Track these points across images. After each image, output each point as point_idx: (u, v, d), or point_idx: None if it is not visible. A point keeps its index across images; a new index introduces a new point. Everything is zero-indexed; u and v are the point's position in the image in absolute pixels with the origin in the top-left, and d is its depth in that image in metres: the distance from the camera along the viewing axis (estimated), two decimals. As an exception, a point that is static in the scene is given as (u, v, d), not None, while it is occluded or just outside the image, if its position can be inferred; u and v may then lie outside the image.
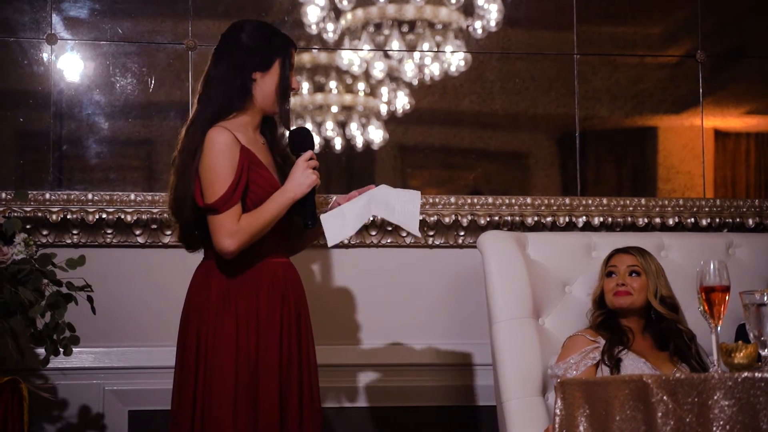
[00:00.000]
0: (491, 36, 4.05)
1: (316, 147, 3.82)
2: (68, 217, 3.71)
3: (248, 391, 2.95)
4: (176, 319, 3.75)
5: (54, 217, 3.70)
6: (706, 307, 2.63)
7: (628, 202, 4.03)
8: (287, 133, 3.13)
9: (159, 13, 3.88)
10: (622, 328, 3.38)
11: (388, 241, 3.90)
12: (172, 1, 3.88)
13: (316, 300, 3.44)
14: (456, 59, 4.03)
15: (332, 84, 3.98)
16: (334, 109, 3.99)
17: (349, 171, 4.02)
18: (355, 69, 3.99)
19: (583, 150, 4.07)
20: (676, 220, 4.02)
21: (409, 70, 4.01)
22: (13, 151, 3.85)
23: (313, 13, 3.96)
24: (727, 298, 2.64)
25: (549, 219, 3.95)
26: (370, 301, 3.88)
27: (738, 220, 4.06)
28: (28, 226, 3.64)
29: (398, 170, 3.99)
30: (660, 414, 2.32)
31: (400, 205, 3.05)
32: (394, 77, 4.01)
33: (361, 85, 4.00)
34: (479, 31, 4.05)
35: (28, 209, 3.69)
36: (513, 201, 3.97)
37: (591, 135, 4.10)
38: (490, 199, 3.96)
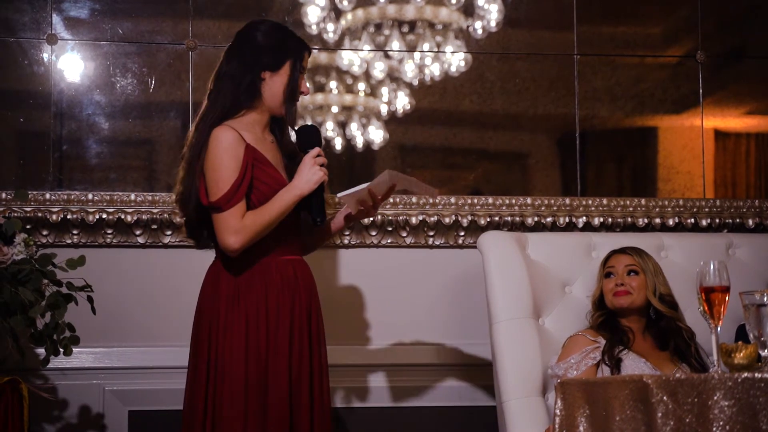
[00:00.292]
0: (491, 36, 4.05)
1: (317, 147, 3.82)
2: (68, 217, 3.71)
3: (258, 391, 2.95)
4: (176, 319, 3.76)
5: (54, 217, 3.70)
6: (706, 308, 2.63)
7: (628, 202, 4.03)
8: (294, 131, 3.14)
9: (159, 13, 3.88)
10: (623, 328, 3.39)
11: (388, 241, 3.90)
12: (172, 1, 3.89)
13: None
14: (456, 59, 4.03)
15: (332, 84, 3.98)
16: (335, 109, 3.99)
17: (350, 171, 4.02)
18: (356, 69, 3.99)
19: (583, 150, 4.07)
20: (676, 220, 4.02)
21: (409, 71, 4.01)
22: (14, 151, 3.85)
23: (313, 13, 3.96)
24: (727, 298, 2.63)
25: (549, 219, 3.95)
26: (369, 302, 3.88)
27: (738, 220, 4.06)
28: (28, 226, 3.64)
29: (398, 170, 3.98)
30: (660, 414, 2.32)
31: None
32: (394, 77, 4.01)
33: (361, 86, 4.00)
34: (479, 32, 4.05)
35: (28, 209, 3.69)
36: (513, 201, 3.97)
37: (591, 135, 4.10)
38: (490, 200, 3.96)
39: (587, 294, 3.55)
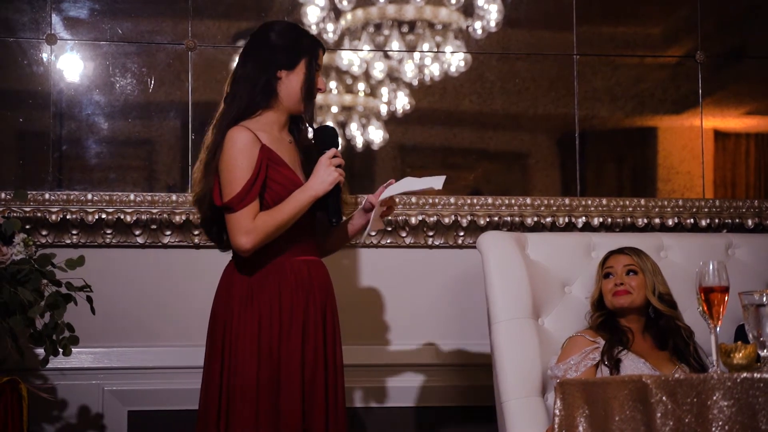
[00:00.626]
0: (491, 36, 4.05)
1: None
2: (68, 217, 3.71)
3: (270, 390, 2.95)
4: (176, 319, 3.77)
5: (53, 217, 3.70)
6: (706, 308, 2.63)
7: (627, 202, 4.03)
8: (311, 131, 3.15)
9: (159, 13, 3.88)
10: (622, 329, 3.39)
11: (388, 241, 3.90)
12: (172, 1, 3.89)
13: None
14: (456, 59, 4.03)
15: (332, 84, 3.98)
16: (334, 109, 3.99)
17: (349, 171, 3.97)
18: (355, 69, 3.99)
19: (582, 150, 4.07)
20: (676, 220, 4.02)
21: (409, 71, 4.01)
22: (13, 151, 3.85)
23: (313, 14, 3.96)
24: (726, 298, 2.63)
25: (549, 219, 3.95)
26: (368, 302, 3.88)
27: (737, 220, 4.06)
28: (27, 227, 3.65)
29: (398, 170, 3.99)
30: (659, 414, 2.32)
31: (419, 183, 3.10)
32: (394, 77, 4.01)
33: (361, 86, 4.00)
34: (479, 32, 4.05)
35: (27, 209, 3.69)
36: (513, 201, 3.97)
37: (591, 135, 4.10)
38: (490, 200, 3.96)
39: (586, 295, 3.55)
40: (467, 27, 4.04)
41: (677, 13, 4.18)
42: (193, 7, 3.88)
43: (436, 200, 3.92)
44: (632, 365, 3.27)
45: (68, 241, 3.74)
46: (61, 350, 3.29)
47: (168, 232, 3.79)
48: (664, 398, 2.32)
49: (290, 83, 3.08)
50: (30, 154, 3.83)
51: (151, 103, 3.86)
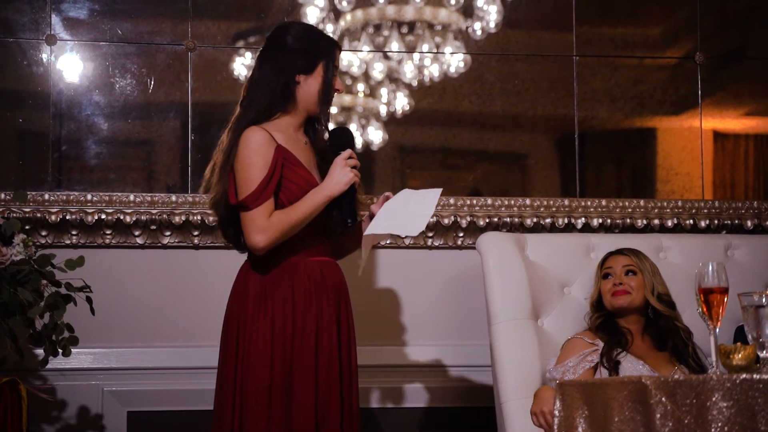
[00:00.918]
0: (491, 37, 4.05)
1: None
2: (67, 217, 3.71)
3: (282, 391, 2.96)
4: (176, 320, 3.77)
5: (53, 217, 3.70)
6: (705, 309, 2.63)
7: (627, 203, 4.03)
8: (327, 132, 3.15)
9: (158, 13, 3.88)
10: (621, 330, 3.38)
11: (387, 241, 3.90)
12: (171, 2, 3.89)
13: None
14: (455, 60, 4.03)
15: (331, 85, 3.97)
16: (334, 109, 3.97)
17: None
18: (355, 70, 3.99)
19: (582, 151, 4.07)
20: (675, 221, 4.02)
21: (408, 71, 4.01)
22: (13, 151, 3.85)
23: (312, 14, 3.96)
24: (725, 299, 2.64)
25: (548, 220, 3.95)
26: (367, 302, 3.88)
27: (737, 221, 4.06)
28: (27, 227, 3.65)
29: (397, 171, 3.99)
30: (659, 415, 2.32)
31: (411, 207, 3.06)
32: (393, 78, 4.01)
33: (360, 86, 4.00)
34: (479, 33, 4.05)
35: (27, 210, 3.69)
36: (512, 202, 3.97)
37: (590, 136, 4.10)
38: (489, 201, 3.96)
39: (585, 296, 3.55)
40: (467, 28, 4.04)
41: (677, 14, 4.18)
42: (193, 7, 3.88)
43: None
44: (631, 367, 3.27)
45: (68, 242, 3.74)
46: (60, 351, 3.29)
47: (167, 233, 3.79)
48: (663, 399, 2.32)
49: (308, 87, 3.08)
50: (30, 155, 3.83)
51: (151, 104, 3.86)
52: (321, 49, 3.10)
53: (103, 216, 3.73)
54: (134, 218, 3.75)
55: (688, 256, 3.71)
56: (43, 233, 3.72)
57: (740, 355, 2.50)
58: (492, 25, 4.06)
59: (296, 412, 2.94)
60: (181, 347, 3.74)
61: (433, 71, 4.02)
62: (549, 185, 4.07)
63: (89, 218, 3.72)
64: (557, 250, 3.68)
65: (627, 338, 3.36)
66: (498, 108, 4.05)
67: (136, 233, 3.78)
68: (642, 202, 4.04)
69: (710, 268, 2.64)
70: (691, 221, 4.03)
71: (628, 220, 4.00)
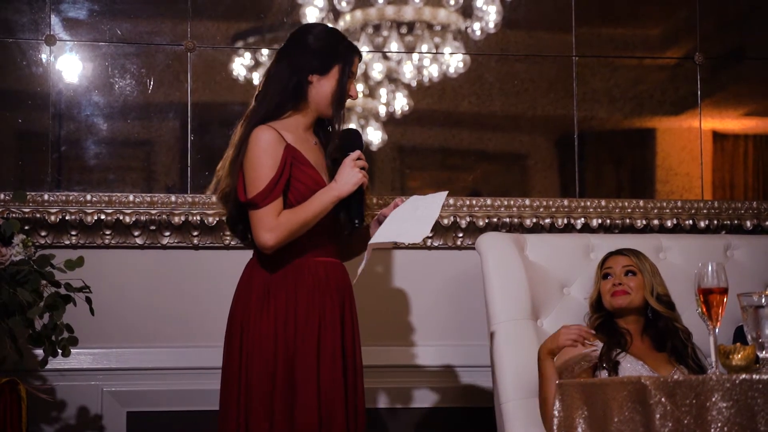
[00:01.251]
0: (490, 37, 4.05)
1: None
2: (67, 218, 3.71)
3: (286, 391, 2.96)
4: (175, 320, 3.77)
5: (52, 218, 3.70)
6: (704, 309, 2.63)
7: (626, 203, 4.03)
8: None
9: (158, 14, 3.88)
10: (620, 330, 3.38)
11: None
12: (171, 2, 3.88)
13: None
14: (455, 61, 4.03)
15: (331, 85, 3.97)
16: (333, 110, 3.98)
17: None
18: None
19: (581, 152, 4.07)
20: (675, 221, 4.02)
21: (407, 72, 4.01)
22: (12, 151, 3.85)
23: (311, 15, 3.95)
24: (725, 300, 2.64)
25: (547, 220, 3.95)
26: (367, 303, 3.88)
27: (736, 222, 4.06)
28: (26, 227, 3.65)
29: (397, 171, 3.99)
30: (658, 416, 2.32)
31: (418, 213, 3.07)
32: (392, 78, 4.01)
33: (359, 86, 4.00)
34: (478, 33, 4.05)
35: (26, 210, 3.69)
36: (511, 203, 3.97)
37: (590, 137, 4.10)
38: (489, 201, 3.96)
39: (585, 297, 3.55)
40: (466, 28, 4.04)
41: (676, 14, 4.18)
42: (193, 8, 3.88)
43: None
44: (630, 367, 3.27)
45: (67, 242, 3.74)
46: (60, 351, 3.29)
47: (167, 233, 3.79)
48: (663, 399, 2.33)
49: (321, 88, 3.10)
50: (29, 155, 3.83)
51: (150, 104, 3.86)
52: (339, 53, 3.11)
53: (103, 216, 3.73)
54: (134, 219, 3.75)
55: (687, 256, 3.72)
56: (43, 233, 3.72)
57: (740, 356, 2.51)
58: (491, 25, 4.06)
59: (299, 412, 2.95)
60: (181, 347, 3.74)
61: (432, 71, 4.02)
62: (548, 185, 4.07)
63: (89, 218, 3.72)
64: (557, 251, 3.69)
65: (626, 339, 3.36)
66: (497, 108, 4.05)
67: (136, 233, 3.78)
68: (641, 203, 4.04)
69: (710, 268, 2.64)
70: (691, 221, 4.03)
71: (628, 221, 4.00)
